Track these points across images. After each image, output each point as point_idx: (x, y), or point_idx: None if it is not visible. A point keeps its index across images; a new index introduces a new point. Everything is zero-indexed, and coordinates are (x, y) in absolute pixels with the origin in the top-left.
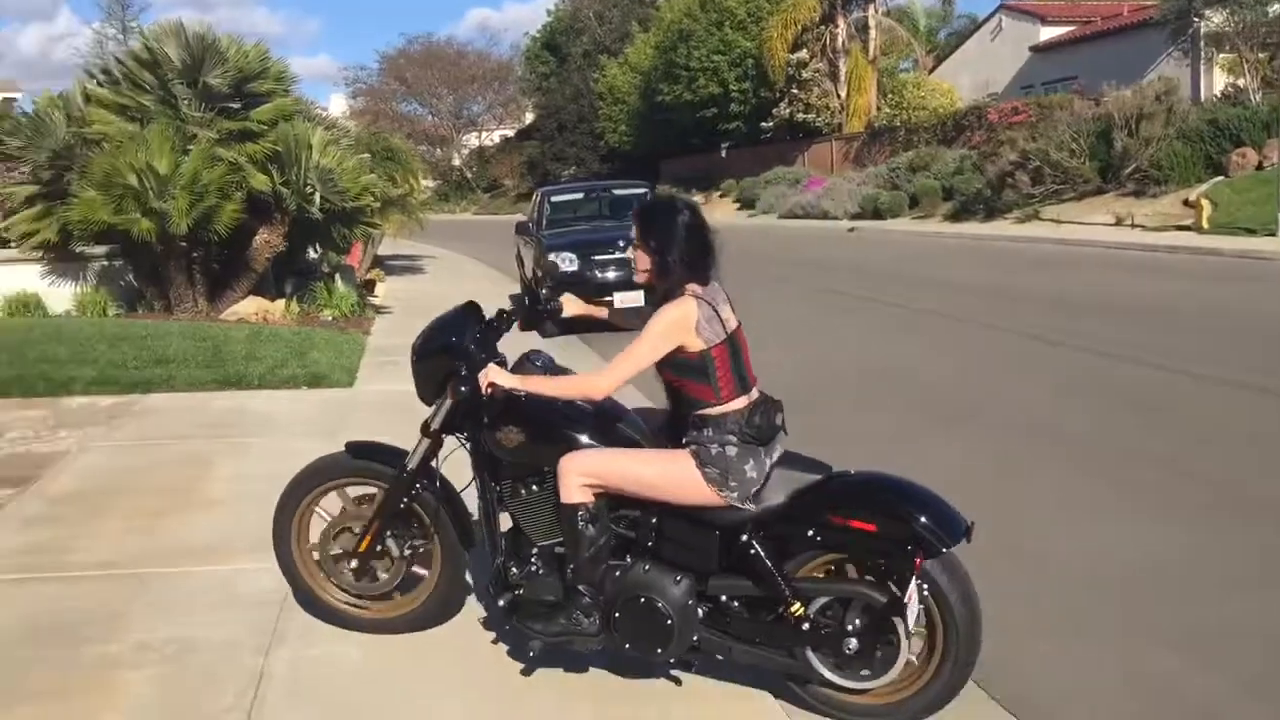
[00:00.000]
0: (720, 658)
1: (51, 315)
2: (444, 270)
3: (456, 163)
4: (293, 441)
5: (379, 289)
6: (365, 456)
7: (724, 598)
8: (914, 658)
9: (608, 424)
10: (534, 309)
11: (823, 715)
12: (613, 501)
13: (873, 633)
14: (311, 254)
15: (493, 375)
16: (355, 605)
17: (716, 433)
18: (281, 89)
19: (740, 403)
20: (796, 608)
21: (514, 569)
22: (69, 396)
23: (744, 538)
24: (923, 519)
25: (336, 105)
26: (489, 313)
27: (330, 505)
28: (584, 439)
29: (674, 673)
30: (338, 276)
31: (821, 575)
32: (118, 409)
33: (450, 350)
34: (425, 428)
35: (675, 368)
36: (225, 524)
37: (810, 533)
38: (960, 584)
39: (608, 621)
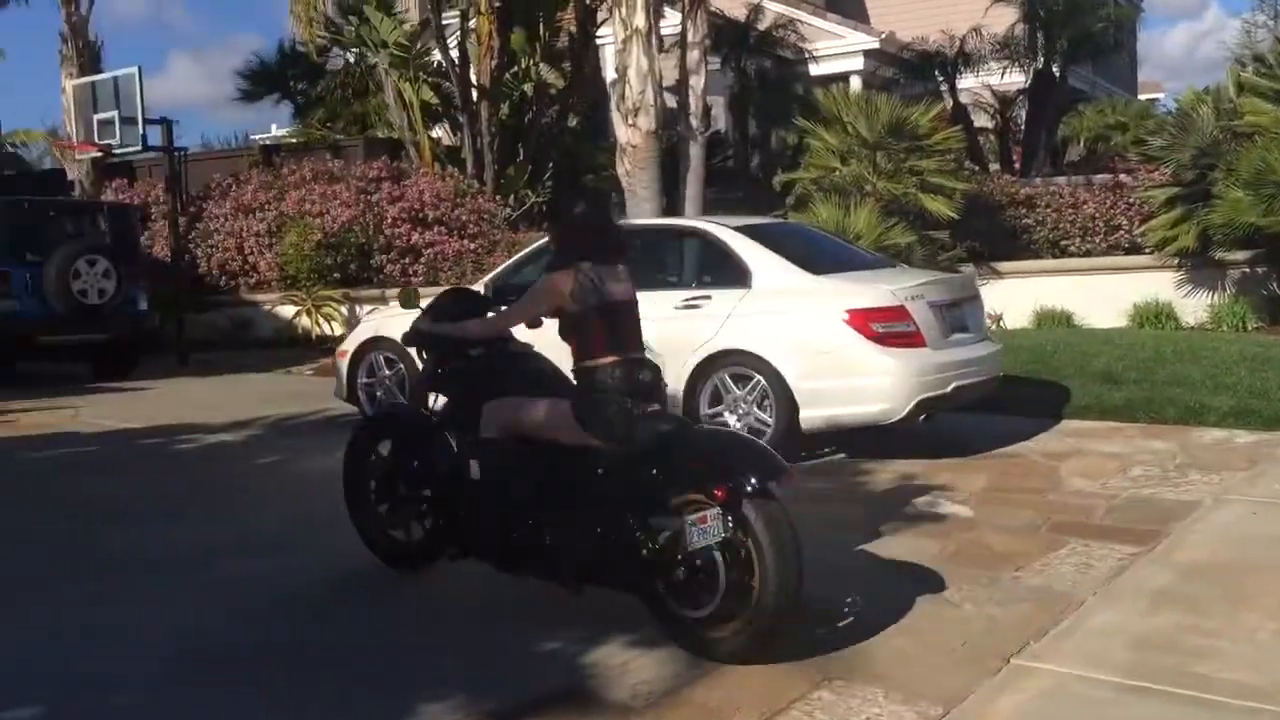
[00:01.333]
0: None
1: (1182, 327)
2: None
3: None
4: None
5: None
6: None
7: (599, 530)
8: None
9: (531, 380)
10: None
11: (686, 650)
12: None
13: (692, 561)
14: None
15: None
16: None
17: (589, 382)
18: None
19: (610, 359)
20: (641, 536)
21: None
22: (1200, 428)
23: (599, 471)
24: (738, 461)
25: None
26: None
27: None
28: (508, 390)
29: None
30: None
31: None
32: (1259, 451)
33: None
34: None
35: (561, 326)
36: None
37: (654, 471)
38: (775, 528)
39: (506, 544)
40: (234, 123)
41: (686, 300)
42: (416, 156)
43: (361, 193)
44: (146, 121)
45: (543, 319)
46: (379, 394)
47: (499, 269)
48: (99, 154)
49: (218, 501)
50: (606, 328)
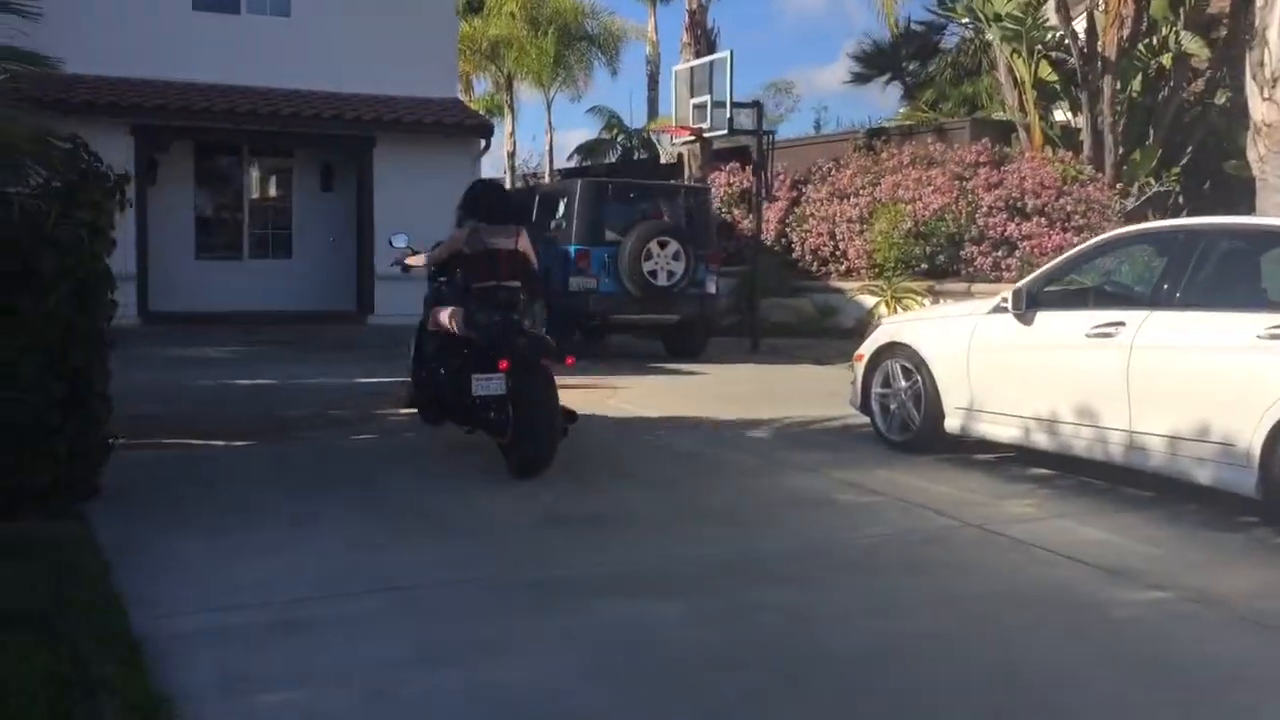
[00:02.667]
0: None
1: None
2: None
3: None
4: None
5: None
6: None
7: (456, 388)
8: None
9: (457, 297)
10: None
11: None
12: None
13: (486, 407)
14: None
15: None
16: None
17: (470, 297)
18: None
19: (485, 284)
20: (465, 390)
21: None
22: None
23: (464, 351)
24: (526, 346)
25: None
26: None
27: None
28: (443, 302)
29: None
30: None
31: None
32: None
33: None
34: None
35: (462, 262)
36: None
37: (492, 354)
38: (536, 388)
39: (430, 400)
40: (869, 108)
41: (1272, 328)
42: (1026, 140)
43: (957, 178)
44: (736, 105)
45: (448, 255)
46: (893, 407)
47: (1044, 269)
48: (691, 138)
49: (641, 516)
50: (486, 265)
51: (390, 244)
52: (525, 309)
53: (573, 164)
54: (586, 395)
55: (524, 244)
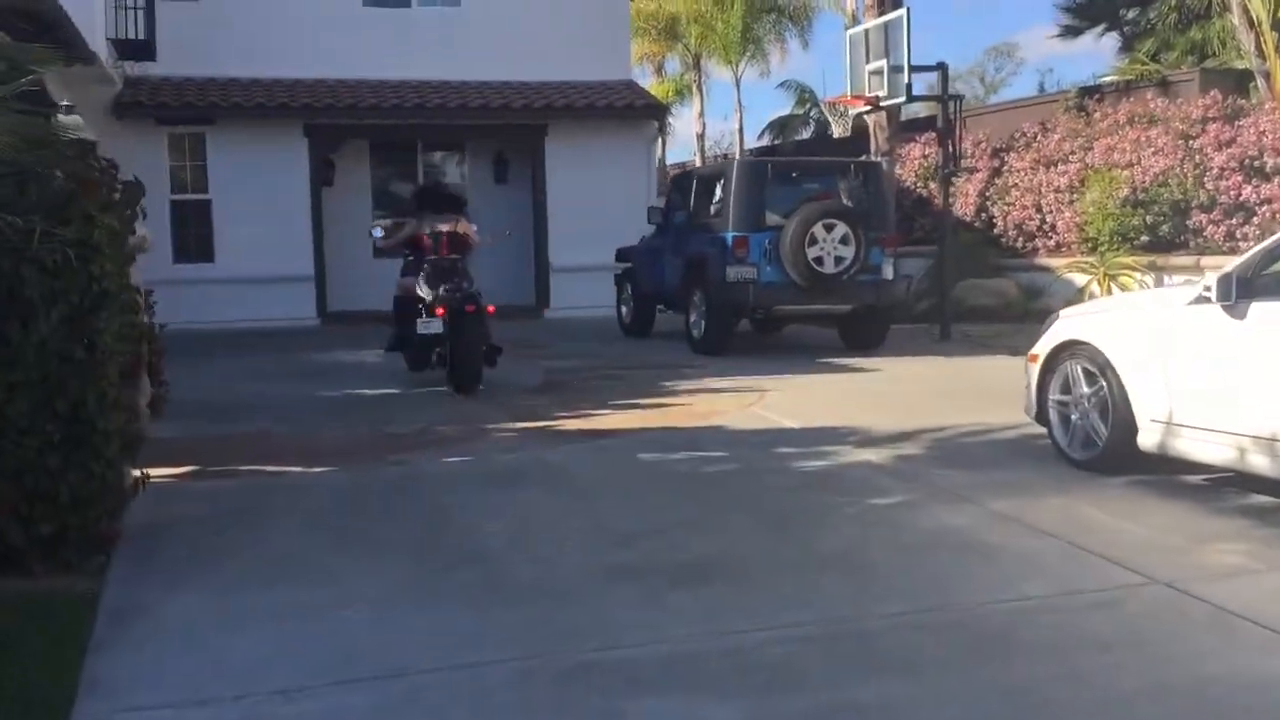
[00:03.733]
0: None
1: None
2: None
3: None
4: None
5: None
6: None
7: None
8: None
9: (417, 268)
10: None
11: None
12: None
13: (430, 344)
14: None
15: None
16: None
17: (426, 267)
18: None
19: (433, 256)
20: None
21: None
22: None
23: (419, 306)
24: (460, 298)
25: None
26: None
27: None
28: (410, 273)
29: None
30: None
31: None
32: None
33: None
34: None
35: (419, 241)
36: None
37: (433, 305)
38: (464, 329)
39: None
40: (1095, 65)
41: None
42: (1265, 89)
43: (1182, 137)
44: (915, 69)
45: (406, 240)
46: (1074, 418)
47: (1248, 255)
48: (867, 107)
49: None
50: (433, 243)
51: (370, 234)
52: (464, 271)
53: (764, 142)
54: (727, 401)
55: (462, 226)
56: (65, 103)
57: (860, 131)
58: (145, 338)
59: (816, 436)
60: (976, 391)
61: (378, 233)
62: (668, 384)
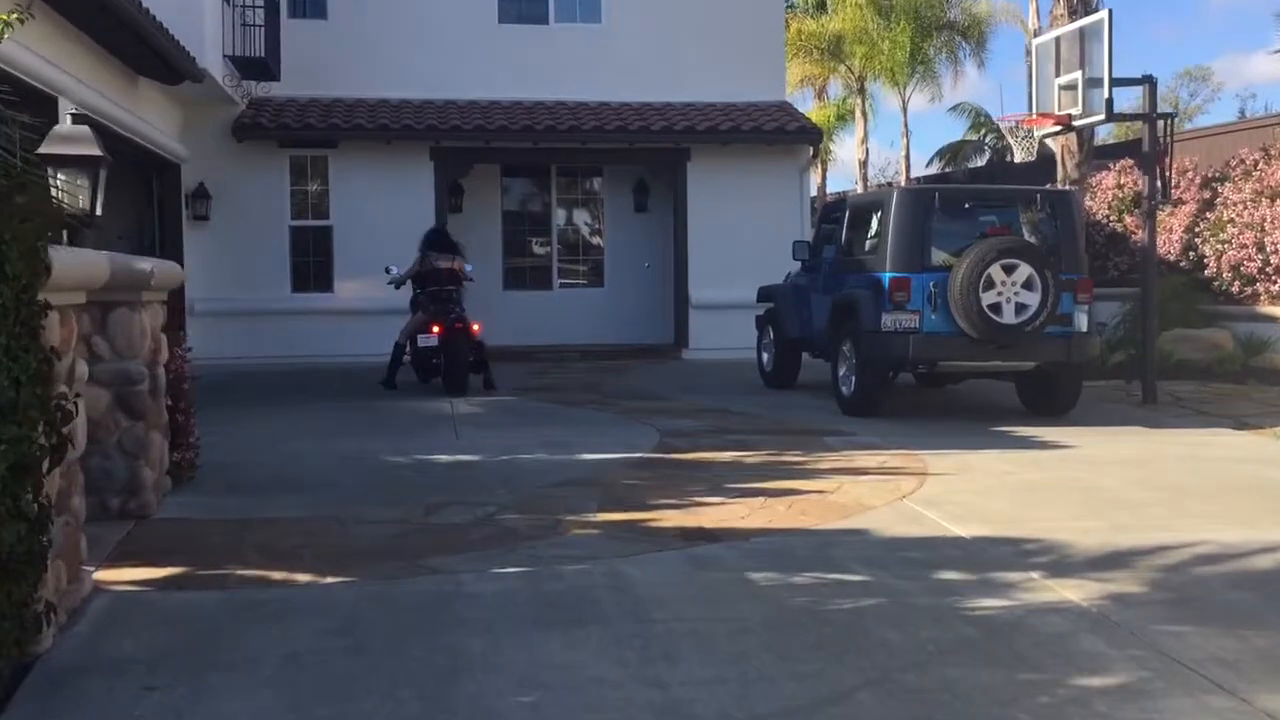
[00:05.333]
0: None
1: None
2: None
3: None
4: None
5: None
6: None
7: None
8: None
9: (425, 303)
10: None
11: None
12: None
13: (428, 354)
14: None
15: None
16: None
17: (426, 295)
18: None
19: (433, 289)
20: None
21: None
22: None
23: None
24: (450, 317)
25: None
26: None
27: None
28: (425, 309)
29: None
30: None
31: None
32: None
33: None
34: None
35: (424, 276)
36: None
37: (431, 323)
38: (453, 341)
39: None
40: None
41: None
42: None
43: None
44: (1118, 82)
45: (415, 274)
46: None
47: None
48: (1056, 128)
49: None
50: (433, 276)
51: (386, 271)
52: (457, 299)
53: (933, 170)
54: (875, 488)
55: (458, 264)
56: (72, 110)
57: (1044, 158)
58: (66, 419)
59: (992, 554)
60: (1211, 484)
61: (394, 269)
62: (803, 457)
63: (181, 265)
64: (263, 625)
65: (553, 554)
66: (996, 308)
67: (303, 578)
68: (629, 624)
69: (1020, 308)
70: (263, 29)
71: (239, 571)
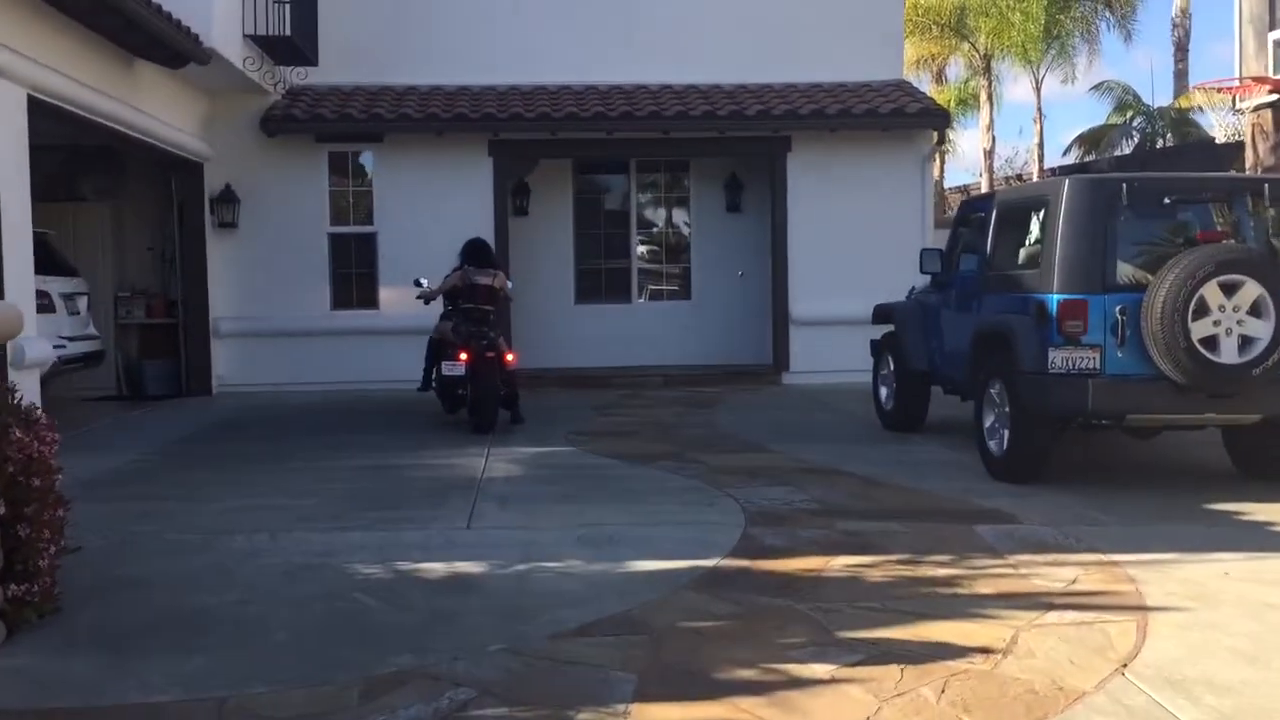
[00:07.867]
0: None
1: None
2: None
3: None
4: None
5: None
6: None
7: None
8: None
9: (454, 317)
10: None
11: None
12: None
13: (453, 384)
14: None
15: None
16: None
17: (457, 313)
18: None
19: (467, 305)
20: (440, 372)
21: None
22: None
23: (447, 349)
24: (481, 342)
25: None
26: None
27: None
28: (449, 319)
29: None
30: None
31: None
32: None
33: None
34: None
35: (458, 292)
36: None
37: (458, 349)
38: (482, 370)
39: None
40: None
41: None
42: None
43: None
44: None
45: (449, 289)
46: None
47: None
48: (1273, 96)
49: None
50: (469, 293)
51: (416, 284)
52: (493, 322)
53: (1070, 160)
54: (1067, 641)
55: (499, 281)
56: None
57: (1202, 144)
58: None
59: None
60: None
61: (424, 281)
62: (951, 570)
63: (205, 279)
64: None
65: None
66: (1212, 342)
67: None
68: None
69: (1245, 342)
70: (289, 5)
71: None
